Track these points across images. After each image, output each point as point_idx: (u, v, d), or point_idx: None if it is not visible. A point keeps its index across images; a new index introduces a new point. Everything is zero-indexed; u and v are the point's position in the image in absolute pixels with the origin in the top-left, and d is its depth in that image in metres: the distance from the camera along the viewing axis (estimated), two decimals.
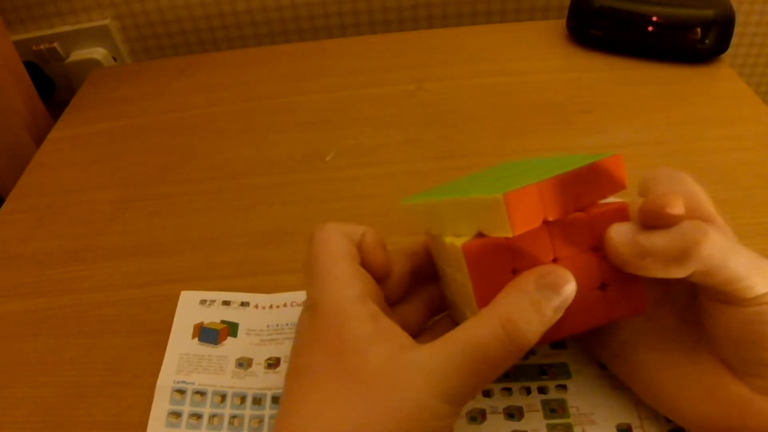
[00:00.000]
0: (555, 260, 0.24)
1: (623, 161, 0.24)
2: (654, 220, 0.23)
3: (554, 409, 0.31)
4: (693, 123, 0.49)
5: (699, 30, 0.52)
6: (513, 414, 0.30)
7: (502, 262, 0.24)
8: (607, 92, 0.53)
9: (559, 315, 0.23)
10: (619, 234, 0.24)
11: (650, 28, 0.53)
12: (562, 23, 0.61)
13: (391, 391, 0.23)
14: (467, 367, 0.23)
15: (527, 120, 0.50)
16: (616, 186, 0.24)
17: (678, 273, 0.23)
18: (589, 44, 0.58)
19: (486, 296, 0.24)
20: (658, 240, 0.23)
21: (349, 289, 0.26)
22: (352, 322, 0.25)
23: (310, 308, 0.27)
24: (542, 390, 0.31)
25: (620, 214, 0.24)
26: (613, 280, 0.25)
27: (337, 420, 0.23)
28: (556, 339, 0.25)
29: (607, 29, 0.56)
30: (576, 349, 0.33)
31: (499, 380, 0.32)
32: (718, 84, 0.53)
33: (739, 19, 0.58)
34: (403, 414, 0.23)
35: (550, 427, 0.30)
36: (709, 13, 0.52)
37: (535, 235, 0.24)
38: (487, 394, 0.31)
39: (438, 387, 0.23)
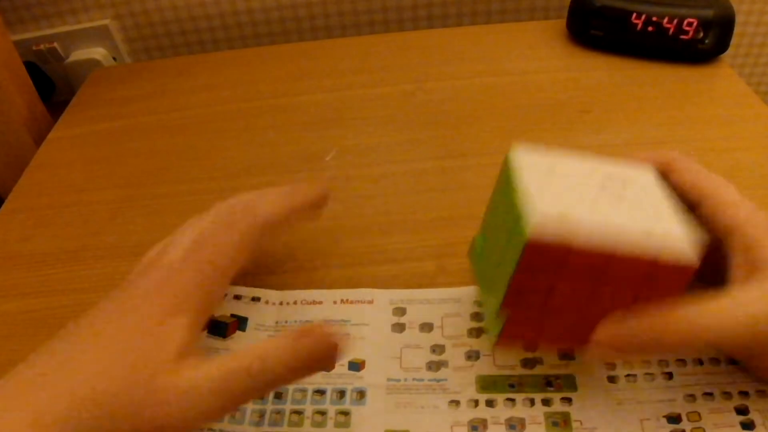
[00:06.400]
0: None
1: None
2: None
3: (557, 422, 0.30)
4: (693, 123, 0.49)
5: (699, 30, 0.52)
6: (514, 425, 0.30)
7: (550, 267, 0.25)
8: (607, 92, 0.53)
9: None
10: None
11: (650, 28, 0.53)
12: (562, 23, 0.61)
13: None
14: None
15: (527, 120, 0.50)
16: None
17: None
18: (589, 44, 0.58)
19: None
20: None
21: None
22: None
23: None
24: (546, 402, 0.31)
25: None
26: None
27: None
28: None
29: (607, 29, 0.56)
30: (585, 361, 0.32)
31: (503, 390, 0.31)
32: (718, 84, 0.53)
33: (739, 19, 0.58)
34: None
35: None
36: (709, 13, 0.52)
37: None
38: (490, 404, 0.31)
39: None
